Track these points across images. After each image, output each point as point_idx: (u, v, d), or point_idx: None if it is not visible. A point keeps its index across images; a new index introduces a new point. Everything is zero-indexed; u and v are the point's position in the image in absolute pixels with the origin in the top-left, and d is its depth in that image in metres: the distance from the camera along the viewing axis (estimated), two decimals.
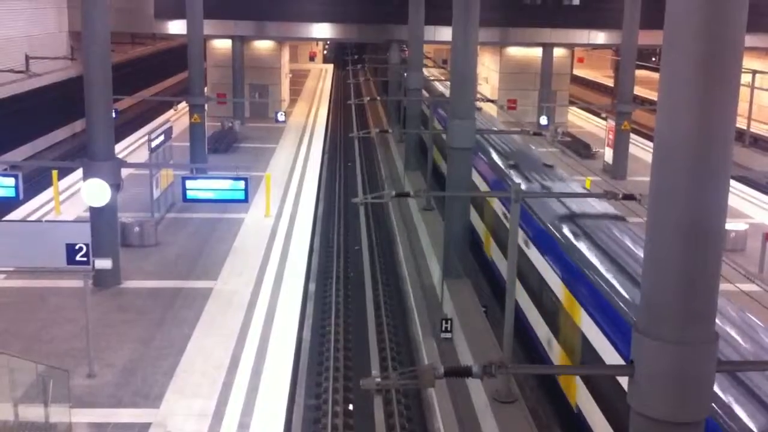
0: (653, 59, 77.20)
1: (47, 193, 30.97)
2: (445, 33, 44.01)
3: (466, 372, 8.34)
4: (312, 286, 25.40)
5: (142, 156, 34.25)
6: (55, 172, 30.34)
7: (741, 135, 46.02)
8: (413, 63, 39.21)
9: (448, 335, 20.25)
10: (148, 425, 15.37)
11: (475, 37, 22.26)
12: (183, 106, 49.17)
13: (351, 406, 18.60)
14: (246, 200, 23.23)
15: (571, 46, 52.59)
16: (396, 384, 8.19)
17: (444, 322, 20.22)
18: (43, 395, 15.09)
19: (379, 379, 8.70)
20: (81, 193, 22.22)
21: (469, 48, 22.24)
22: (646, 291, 8.31)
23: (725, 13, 7.42)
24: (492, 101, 42.18)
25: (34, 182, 35.57)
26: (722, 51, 7.51)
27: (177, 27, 46.20)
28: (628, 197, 16.43)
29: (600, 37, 49.03)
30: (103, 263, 17.19)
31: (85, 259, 16.95)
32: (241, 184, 22.62)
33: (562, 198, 20.19)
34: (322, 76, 77.15)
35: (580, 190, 22.28)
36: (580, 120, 54.17)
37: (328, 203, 36.64)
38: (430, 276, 24.78)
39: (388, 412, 18.15)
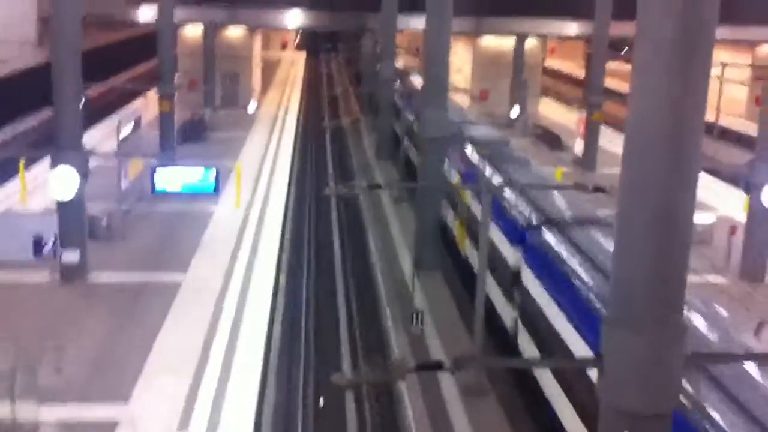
0: (624, 51, 77.55)
1: (11, 185, 30.41)
2: (418, 21, 43.91)
3: (438, 366, 8.32)
4: (282, 278, 25.24)
5: (110, 146, 33.73)
6: (22, 162, 29.82)
7: (710, 128, 46.45)
8: (385, 52, 39.09)
9: (419, 327, 20.25)
10: (116, 422, 15.19)
11: (449, 26, 22.26)
12: (152, 94, 48.57)
13: (321, 400, 18.50)
14: (216, 193, 23.04)
15: (544, 37, 52.69)
16: (367, 379, 8.13)
17: (415, 314, 20.22)
18: (10, 392, 14.87)
19: (349, 375, 8.61)
20: (48, 184, 21.88)
21: (442, 37, 22.22)
22: (615, 283, 8.34)
23: (698, 3, 7.45)
24: (464, 90, 42.15)
25: None
26: (693, 42, 7.54)
27: (148, 13, 45.57)
28: (598, 189, 16.50)
29: (573, 27, 49.17)
30: (71, 256, 16.98)
31: (52, 251, 16.67)
32: (211, 177, 22.40)
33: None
34: (294, 64, 76.72)
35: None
36: (551, 111, 54.33)
37: (299, 193, 36.41)
38: (401, 268, 24.74)
39: (360, 405, 18.08)
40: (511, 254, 18.70)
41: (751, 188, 21.95)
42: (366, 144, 44.26)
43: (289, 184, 34.06)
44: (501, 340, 18.52)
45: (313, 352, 20.80)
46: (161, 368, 17.21)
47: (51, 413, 15.17)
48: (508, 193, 20.54)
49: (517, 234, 18.57)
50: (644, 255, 8.00)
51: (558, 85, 73.95)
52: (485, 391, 16.42)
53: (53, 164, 21.06)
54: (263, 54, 64.84)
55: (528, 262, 17.41)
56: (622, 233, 8.25)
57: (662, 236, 7.93)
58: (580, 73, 76.94)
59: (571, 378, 14.01)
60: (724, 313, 14.19)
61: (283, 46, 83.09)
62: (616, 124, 47.29)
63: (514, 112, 43.02)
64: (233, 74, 51.25)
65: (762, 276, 22.74)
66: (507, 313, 18.67)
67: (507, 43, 50.22)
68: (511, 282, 18.56)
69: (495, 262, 19.45)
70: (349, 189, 18.57)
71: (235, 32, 51.14)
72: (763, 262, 22.75)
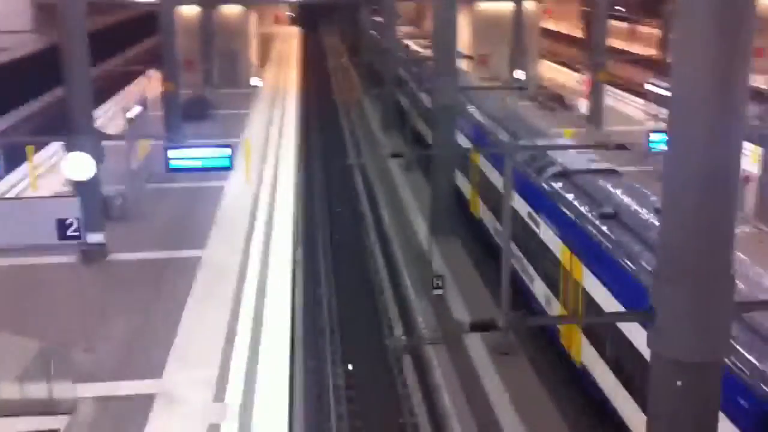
0: (616, 8, 77.12)
1: (20, 170, 30.37)
2: None
3: (491, 325, 8.45)
4: (299, 251, 25.38)
5: (114, 126, 33.74)
6: (30, 148, 29.76)
7: None
8: (387, 23, 38.91)
9: (440, 292, 20.39)
10: (152, 396, 15.38)
11: None
12: (153, 75, 48.25)
13: (350, 366, 18.72)
14: (231, 167, 23.09)
15: None
16: (422, 341, 8.25)
17: (435, 279, 20.36)
18: (46, 372, 15.05)
19: (404, 337, 8.74)
20: (62, 168, 21.91)
21: (450, 5, 22.15)
22: (664, 239, 8.45)
23: None
24: (469, 57, 42.03)
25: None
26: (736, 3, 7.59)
27: None
28: (620, 147, 16.60)
29: None
30: (96, 237, 17.02)
31: (76, 234, 16.74)
32: (227, 152, 22.45)
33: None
34: (290, 39, 76.30)
35: None
36: (549, 73, 54.23)
37: (308, 166, 36.44)
38: (417, 235, 24.86)
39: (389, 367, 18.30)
40: None
41: (766, 139, 22.12)
42: (369, 114, 44.19)
43: (297, 157, 34.09)
44: None
45: (336, 322, 20.99)
46: (191, 343, 17.36)
47: (87, 390, 15.35)
48: None
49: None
50: (692, 209, 8.10)
51: (554, 46, 73.63)
52: (514, 350, 16.62)
53: (67, 149, 21.09)
54: (258, 30, 64.54)
55: None
56: (669, 191, 8.35)
57: (709, 192, 8.04)
58: (576, 33, 76.71)
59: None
60: (745, 258, 14.31)
61: (277, 21, 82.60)
62: (613, 83, 47.28)
63: (519, 75, 42.89)
64: (231, 52, 50.98)
65: None
66: None
67: (504, 6, 49.97)
68: None
69: None
70: (372, 158, 18.58)
71: (231, 10, 50.82)
72: None
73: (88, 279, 20.01)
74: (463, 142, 26.16)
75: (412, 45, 46.38)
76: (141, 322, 18.35)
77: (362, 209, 30.36)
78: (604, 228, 15.39)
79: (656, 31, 62.59)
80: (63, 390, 15.10)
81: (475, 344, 17.21)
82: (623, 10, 77.17)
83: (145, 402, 15.15)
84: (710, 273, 8.20)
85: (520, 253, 19.43)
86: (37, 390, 14.90)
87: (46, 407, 14.79)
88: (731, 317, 8.41)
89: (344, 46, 72.26)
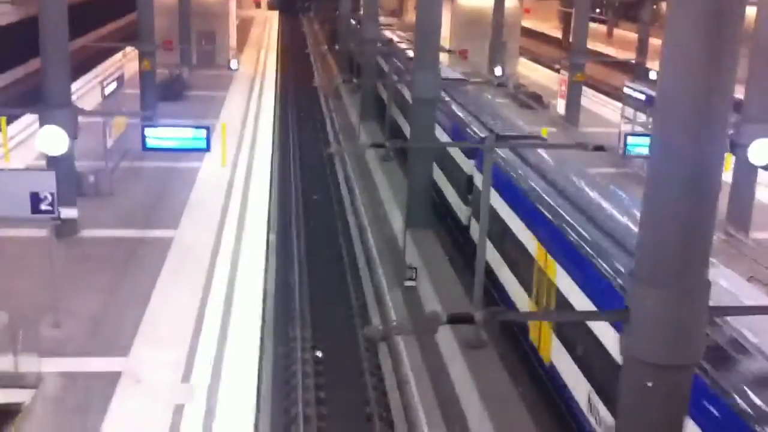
0: (596, 11, 77.78)
1: None
2: None
3: (469, 319, 8.51)
4: (272, 236, 25.28)
5: (87, 103, 33.26)
6: (2, 119, 29.37)
7: None
8: (368, 11, 38.80)
9: (413, 284, 20.44)
10: (118, 374, 15.28)
11: None
12: (129, 53, 47.66)
13: (319, 353, 18.74)
14: (208, 149, 22.94)
15: None
16: (398, 332, 8.31)
17: (408, 270, 20.40)
18: (12, 345, 14.91)
19: (381, 328, 8.79)
20: (36, 141, 21.61)
21: None
22: (643, 240, 8.55)
23: None
24: (451, 51, 42.04)
25: None
26: (726, 7, 7.69)
27: None
28: (598, 148, 16.76)
29: None
30: (70, 212, 16.84)
31: (50, 208, 16.54)
32: (203, 133, 22.30)
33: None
34: (268, 22, 75.85)
35: None
36: (528, 71, 54.48)
37: (283, 152, 36.30)
38: (392, 226, 24.90)
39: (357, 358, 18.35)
40: None
41: (736, 147, 22.38)
42: (348, 104, 44.04)
43: (273, 143, 33.95)
44: None
45: (308, 308, 20.98)
46: (159, 322, 17.27)
47: (53, 365, 15.21)
48: None
49: None
50: (673, 214, 8.18)
51: (533, 44, 74.05)
52: (483, 344, 16.74)
53: (42, 122, 20.82)
54: (237, 12, 64.01)
55: None
56: (650, 193, 8.45)
57: (690, 196, 8.14)
58: (555, 33, 77.22)
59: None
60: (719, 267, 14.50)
61: (257, 5, 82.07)
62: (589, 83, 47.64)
63: (498, 71, 43.02)
64: (209, 33, 50.57)
65: (747, 229, 23.37)
66: None
67: (485, 2, 50.10)
68: None
69: None
70: (353, 148, 18.53)
71: None
72: (748, 215, 23.41)
73: (59, 254, 19.76)
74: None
75: (393, 36, 46.31)
76: (110, 299, 18.21)
77: (339, 197, 30.34)
78: None
79: (633, 35, 63.14)
80: (29, 364, 14.97)
81: (446, 337, 17.31)
82: (599, 12, 77.89)
83: (111, 380, 15.06)
84: (687, 276, 8.32)
85: None
86: (2, 363, 14.77)
87: (11, 381, 14.66)
88: (706, 321, 8.54)
89: (324, 32, 71.91)
